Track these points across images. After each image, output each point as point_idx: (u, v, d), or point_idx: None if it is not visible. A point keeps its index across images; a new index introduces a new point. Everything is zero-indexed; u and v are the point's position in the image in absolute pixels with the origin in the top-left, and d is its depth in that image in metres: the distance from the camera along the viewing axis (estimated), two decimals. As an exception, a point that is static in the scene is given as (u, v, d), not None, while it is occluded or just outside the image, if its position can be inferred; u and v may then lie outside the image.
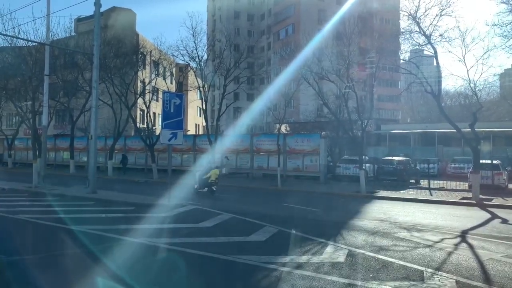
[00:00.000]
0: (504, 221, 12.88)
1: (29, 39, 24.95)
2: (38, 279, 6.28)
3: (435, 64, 21.44)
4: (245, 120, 43.61)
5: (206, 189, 18.55)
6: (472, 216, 13.77)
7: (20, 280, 6.31)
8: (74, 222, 10.66)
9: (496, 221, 12.79)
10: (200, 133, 58.23)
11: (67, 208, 13.27)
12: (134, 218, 11.66)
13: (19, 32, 24.88)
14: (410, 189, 22.03)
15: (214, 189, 18.38)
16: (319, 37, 33.04)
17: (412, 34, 20.18)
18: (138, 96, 31.66)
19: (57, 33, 30.88)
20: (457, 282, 6.30)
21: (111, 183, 24.06)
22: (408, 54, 26.87)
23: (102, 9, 19.06)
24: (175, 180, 18.60)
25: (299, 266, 7.04)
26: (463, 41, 18.90)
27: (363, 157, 22.30)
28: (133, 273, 6.50)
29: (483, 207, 15.96)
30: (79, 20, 46.70)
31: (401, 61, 29.76)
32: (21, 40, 25.26)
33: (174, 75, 39.83)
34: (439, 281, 6.35)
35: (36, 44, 25.26)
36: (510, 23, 18.61)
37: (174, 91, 33.67)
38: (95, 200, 15.92)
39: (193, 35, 27.53)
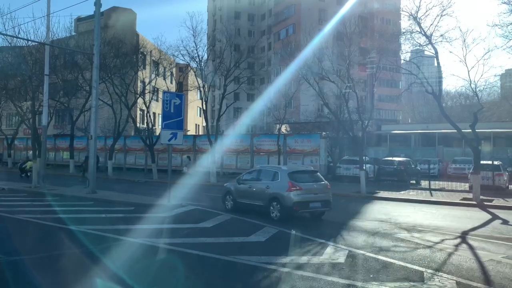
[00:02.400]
0: (505, 222, 12.84)
1: (29, 39, 24.92)
2: (38, 279, 6.25)
3: (435, 64, 21.39)
4: (245, 120, 43.57)
5: (24, 174, 25.97)
6: (473, 217, 13.74)
7: (19, 280, 6.29)
8: (74, 222, 10.64)
9: (496, 222, 12.76)
10: (200, 133, 58.22)
11: (67, 208, 13.25)
12: (134, 218, 11.64)
13: (19, 31, 24.87)
14: (411, 190, 21.97)
15: (29, 174, 24.56)
16: (320, 37, 33.00)
17: (412, 34, 20.10)
18: (138, 96, 31.63)
19: (57, 33, 30.87)
20: (457, 283, 6.28)
21: (111, 183, 24.05)
22: (408, 55, 26.83)
23: (102, 9, 19.03)
24: (175, 180, 18.57)
25: (299, 266, 7.01)
26: (464, 41, 18.83)
27: (364, 157, 22.26)
28: (133, 273, 6.48)
29: (484, 208, 15.92)
30: (79, 20, 46.71)
31: (402, 61, 29.71)
32: (21, 40, 25.24)
33: (174, 75, 39.79)
34: (439, 282, 6.33)
35: (36, 44, 25.24)
36: (511, 24, 18.55)
37: (174, 91, 33.63)
38: (95, 200, 15.91)
39: (193, 35, 27.40)
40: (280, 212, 11.63)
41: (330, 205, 12.23)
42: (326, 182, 12.74)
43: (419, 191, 21.71)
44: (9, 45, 27.05)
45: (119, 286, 6.03)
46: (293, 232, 9.92)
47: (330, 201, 12.25)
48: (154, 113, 42.35)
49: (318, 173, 13.29)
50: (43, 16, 22.63)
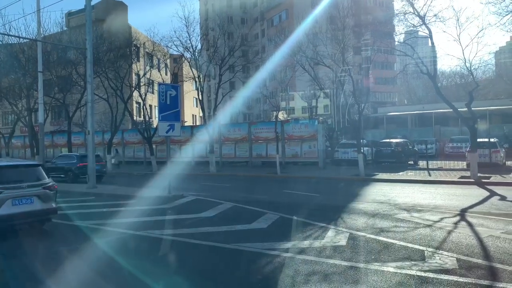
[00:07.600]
0: (503, 198, 12.99)
1: (21, 36, 24.72)
2: (40, 276, 6.32)
3: (430, 44, 21.37)
4: (242, 108, 43.51)
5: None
6: (471, 194, 13.89)
7: (22, 277, 6.37)
8: (76, 218, 10.71)
9: (494, 199, 12.90)
10: (198, 124, 58.18)
11: (68, 204, 13.28)
12: (136, 211, 11.72)
13: (10, 29, 24.72)
14: (409, 170, 22.14)
15: None
16: (313, 22, 32.81)
17: (406, 16, 20.06)
18: (133, 89, 31.52)
19: (49, 29, 30.71)
20: (457, 259, 6.39)
21: (110, 177, 24.08)
22: (402, 36, 26.75)
23: (93, 2, 18.87)
24: (175, 172, 18.64)
25: (302, 251, 7.12)
26: (458, 20, 18.96)
27: (361, 140, 22.36)
28: (138, 265, 6.56)
29: (482, 185, 16.08)
30: (70, 14, 46.24)
31: (396, 43, 29.62)
32: (13, 37, 25.04)
33: (169, 66, 39.60)
34: (440, 259, 6.44)
35: (28, 40, 25.04)
36: (504, 0, 18.49)
37: (169, 82, 33.51)
38: (95, 194, 15.96)
39: (186, 25, 27.43)
40: None
41: None
42: None
43: (417, 171, 21.89)
44: (1, 43, 26.84)
45: (126, 278, 6.12)
46: (295, 217, 10.02)
47: None
48: (150, 106, 42.25)
49: None
50: (34, 12, 22.35)
